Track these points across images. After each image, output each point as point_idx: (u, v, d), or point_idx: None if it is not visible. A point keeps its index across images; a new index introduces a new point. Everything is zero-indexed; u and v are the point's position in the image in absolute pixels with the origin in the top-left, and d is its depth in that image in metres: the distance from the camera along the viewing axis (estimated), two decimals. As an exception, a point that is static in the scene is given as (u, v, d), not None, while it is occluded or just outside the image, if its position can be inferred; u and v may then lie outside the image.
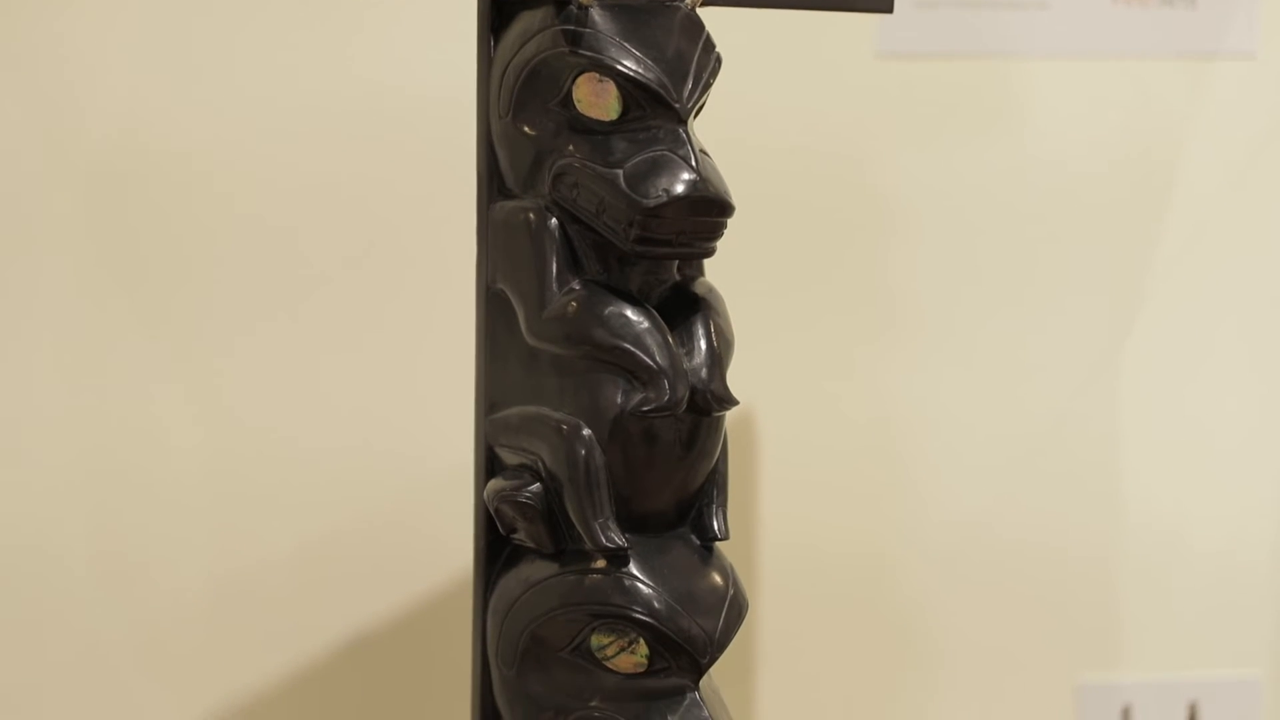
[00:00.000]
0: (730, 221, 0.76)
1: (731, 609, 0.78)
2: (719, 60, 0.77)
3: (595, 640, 0.78)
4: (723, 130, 0.84)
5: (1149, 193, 1.15)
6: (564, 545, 0.78)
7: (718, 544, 0.80)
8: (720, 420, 0.79)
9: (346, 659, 1.05)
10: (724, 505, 0.81)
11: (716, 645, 0.78)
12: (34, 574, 1.02)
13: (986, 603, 1.14)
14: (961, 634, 1.14)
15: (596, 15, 0.76)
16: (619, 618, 0.77)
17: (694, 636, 0.77)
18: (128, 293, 1.03)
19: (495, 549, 0.82)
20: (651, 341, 0.76)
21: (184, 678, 1.04)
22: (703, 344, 0.78)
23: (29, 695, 1.02)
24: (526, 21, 0.77)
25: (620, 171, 0.75)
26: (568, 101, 0.76)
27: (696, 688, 0.78)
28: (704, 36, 0.77)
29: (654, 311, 0.77)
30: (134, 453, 1.03)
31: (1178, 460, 1.17)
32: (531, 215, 0.78)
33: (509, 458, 0.80)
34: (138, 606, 1.03)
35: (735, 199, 0.75)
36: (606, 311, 0.76)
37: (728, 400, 0.78)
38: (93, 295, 1.02)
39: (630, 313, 0.77)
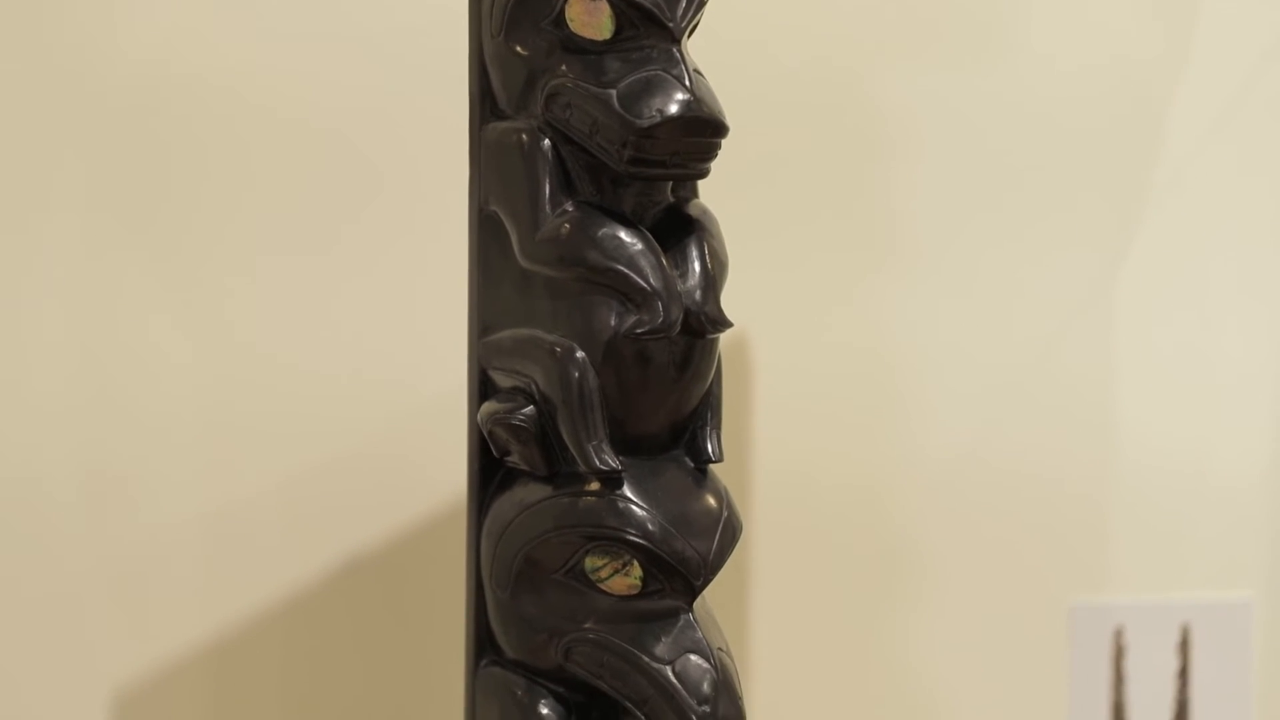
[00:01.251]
0: (724, 143, 0.76)
1: (725, 531, 0.78)
2: (713, -21, 0.77)
3: (589, 562, 0.78)
4: (717, 51, 0.83)
5: (1145, 119, 1.15)
6: (558, 468, 0.78)
7: (711, 466, 0.80)
8: (714, 343, 0.79)
9: (341, 583, 1.05)
10: (718, 428, 0.80)
11: (710, 567, 0.78)
12: (26, 499, 1.02)
13: (979, 527, 1.15)
14: (955, 558, 1.14)
15: (588, -66, 0.75)
16: (613, 540, 0.77)
17: (688, 558, 0.77)
18: (126, 220, 1.02)
19: (489, 472, 0.82)
20: (645, 263, 0.76)
21: (178, 603, 1.04)
22: (696, 266, 0.78)
23: (19, 621, 1.02)
24: (518, -60, 0.77)
25: (613, 92, 0.74)
26: (560, 21, 0.76)
27: (690, 609, 0.78)
28: None
29: (648, 233, 0.77)
30: (128, 380, 1.03)
31: (1171, 386, 1.17)
32: (524, 136, 0.77)
33: (502, 380, 0.80)
34: (131, 532, 1.03)
35: (729, 120, 0.75)
36: (600, 233, 0.76)
37: (722, 322, 0.78)
38: (92, 223, 1.02)
39: (624, 234, 0.76)
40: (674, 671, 0.77)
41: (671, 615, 0.78)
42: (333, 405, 1.05)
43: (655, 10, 0.74)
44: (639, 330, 0.76)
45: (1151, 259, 1.16)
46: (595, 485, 0.77)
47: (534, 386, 0.78)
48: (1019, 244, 1.14)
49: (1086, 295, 1.16)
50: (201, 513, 1.04)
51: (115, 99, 1.01)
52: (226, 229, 1.03)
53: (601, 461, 0.76)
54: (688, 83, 0.74)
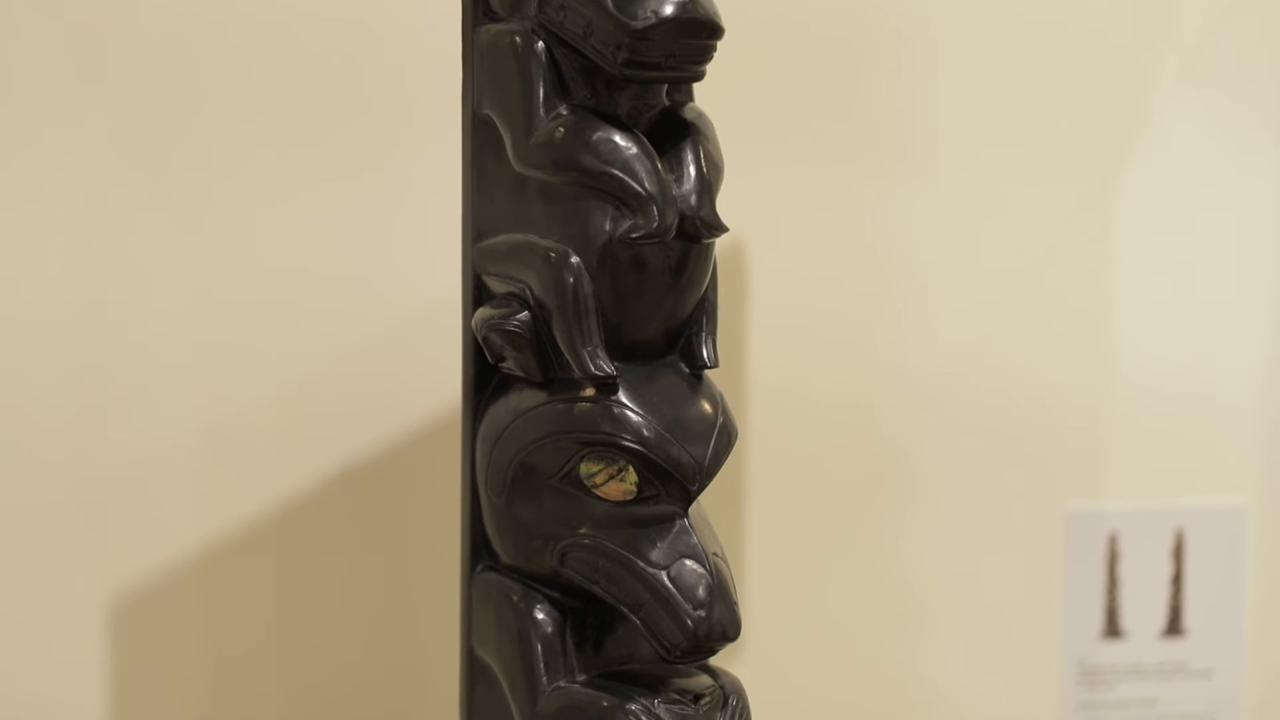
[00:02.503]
0: (720, 45, 0.75)
1: (721, 436, 0.78)
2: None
3: (584, 468, 0.78)
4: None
5: (1147, 28, 1.14)
6: (552, 373, 0.78)
7: (707, 372, 0.80)
8: (710, 247, 0.79)
9: (336, 491, 1.05)
10: (713, 333, 0.80)
11: (706, 472, 0.78)
12: (19, 411, 1.02)
13: (973, 435, 1.15)
14: (949, 466, 1.14)
15: None
16: (608, 445, 0.77)
17: (683, 464, 0.77)
18: (116, 134, 1.01)
19: (483, 378, 0.82)
20: (640, 167, 0.75)
21: (173, 514, 1.04)
22: (692, 170, 0.77)
23: (12, 534, 1.02)
24: None
25: (607, -7, 0.74)
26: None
27: (686, 514, 0.78)
28: None
29: (642, 137, 0.76)
30: (120, 292, 1.02)
31: (1166, 295, 1.17)
32: (518, 39, 0.77)
33: (497, 286, 0.80)
34: (125, 445, 1.03)
35: (725, 21, 0.74)
36: (594, 137, 0.75)
37: (717, 227, 0.77)
38: (83, 136, 1.01)
39: (618, 138, 0.76)
40: (669, 576, 0.77)
41: (667, 520, 0.78)
42: (326, 314, 1.04)
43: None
44: (634, 235, 0.75)
45: (1150, 172, 1.16)
46: (590, 391, 0.77)
47: (528, 292, 0.77)
48: (1020, 156, 1.13)
49: (1084, 208, 1.15)
50: (196, 424, 1.04)
51: (102, 11, 1.00)
52: (217, 140, 1.03)
53: (596, 367, 0.76)
54: (682, -16, 0.74)
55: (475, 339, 0.80)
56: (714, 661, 0.81)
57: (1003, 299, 1.15)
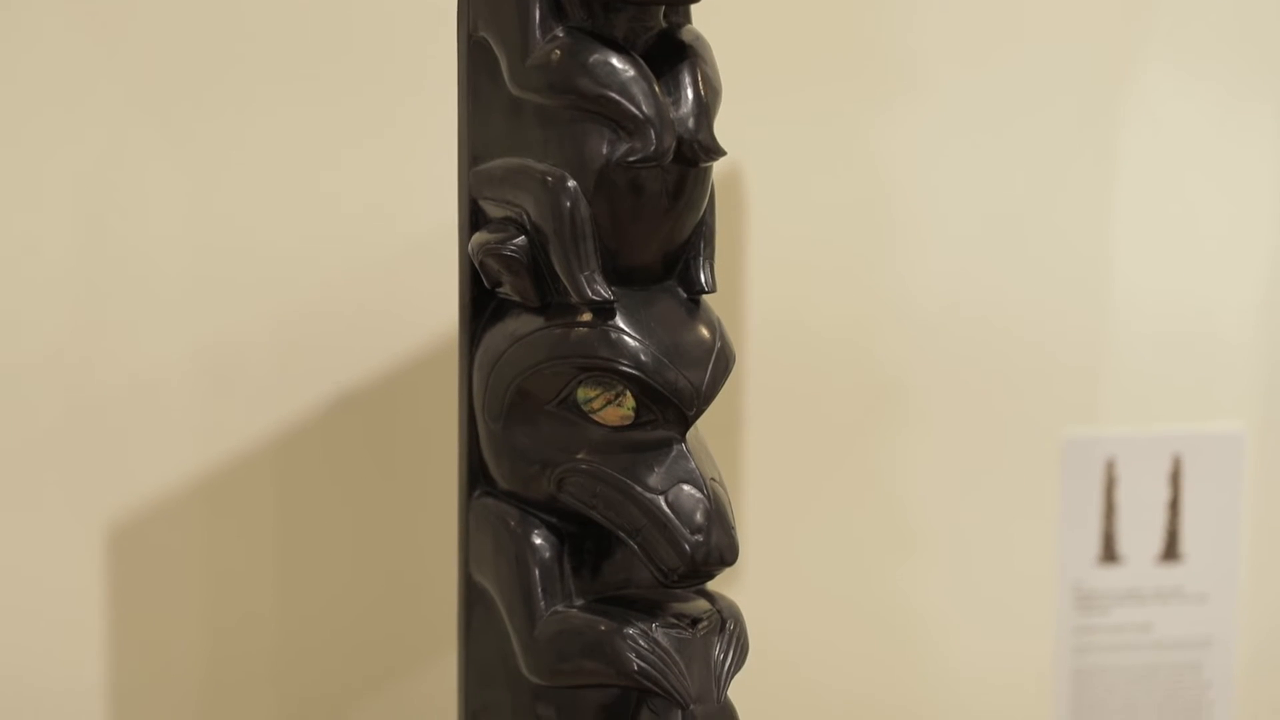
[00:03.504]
0: (717, -34, 0.75)
1: (718, 361, 0.78)
2: None
3: (582, 393, 0.78)
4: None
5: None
6: (549, 298, 0.78)
7: (704, 297, 0.80)
8: (707, 171, 0.78)
9: (334, 417, 1.05)
10: (711, 258, 0.80)
11: (703, 397, 0.77)
12: (17, 338, 1.01)
13: (971, 362, 1.15)
14: (947, 392, 1.14)
15: None
16: (605, 370, 0.77)
17: (681, 389, 0.77)
18: (117, 67, 1.01)
19: (480, 303, 0.81)
20: (637, 90, 0.75)
21: (171, 441, 1.04)
22: (689, 93, 0.77)
23: (9, 460, 1.02)
24: None
25: (603, -86, 0.73)
26: None
27: (683, 439, 0.78)
28: None
29: (639, 59, 0.75)
30: (117, 218, 1.02)
31: (1165, 222, 1.17)
32: (514, -40, 0.76)
33: (493, 210, 0.79)
34: (122, 372, 1.03)
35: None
36: (591, 59, 0.75)
37: (715, 150, 0.77)
38: (80, 69, 1.00)
39: (615, 60, 0.75)
40: (667, 501, 0.77)
41: (664, 445, 0.78)
42: (322, 240, 1.04)
43: None
44: (631, 158, 0.75)
45: (1152, 101, 1.15)
46: (587, 316, 0.77)
47: (525, 216, 0.77)
48: (1021, 85, 1.13)
49: (1084, 137, 1.15)
50: (193, 351, 1.03)
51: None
52: (212, 69, 1.02)
53: (594, 292, 0.76)
54: (680, -96, 0.73)
55: (472, 264, 0.80)
56: (711, 586, 0.81)
57: (1002, 227, 1.14)
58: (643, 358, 0.76)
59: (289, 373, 1.04)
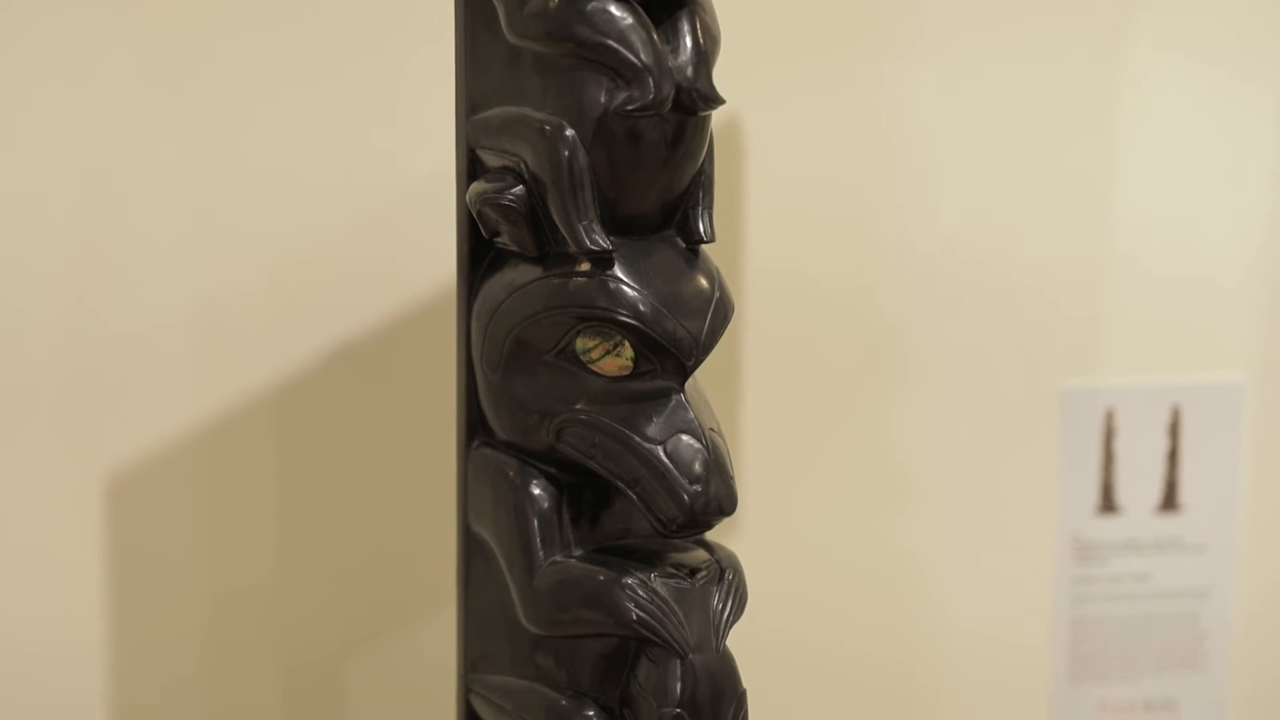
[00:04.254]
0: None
1: (717, 311, 0.78)
2: None
3: (580, 343, 0.77)
4: None
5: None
6: (548, 248, 0.78)
7: (703, 247, 0.80)
8: (706, 120, 0.78)
9: (332, 368, 1.05)
10: (709, 207, 0.80)
11: (702, 347, 0.77)
12: (15, 290, 1.01)
13: (970, 312, 1.14)
14: (946, 342, 1.14)
15: None
16: (604, 320, 0.76)
17: (679, 339, 0.77)
18: (112, 13, 1.00)
19: (478, 253, 0.81)
20: (636, 38, 0.74)
21: (169, 392, 1.04)
22: (688, 40, 0.76)
23: (8, 413, 1.02)
24: None
25: None
26: None
27: (682, 390, 0.78)
28: None
29: (638, 7, 0.75)
30: (115, 169, 1.01)
31: (1165, 172, 1.17)
32: (511, -93, 0.76)
33: (491, 160, 0.79)
34: (120, 322, 1.02)
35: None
36: (589, 7, 0.74)
37: (714, 99, 0.76)
38: (79, 17, 1.00)
39: (614, 8, 0.74)
40: (666, 451, 0.77)
41: (663, 396, 0.78)
42: (320, 189, 1.04)
43: None
44: (629, 107, 0.74)
45: (1153, 50, 1.14)
46: (586, 266, 0.77)
47: (523, 166, 0.77)
48: (1021, 33, 1.12)
49: (1084, 87, 1.14)
50: (191, 301, 1.03)
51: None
52: (210, 22, 1.01)
53: (592, 241, 0.76)
54: None
55: (470, 214, 0.80)
56: (710, 536, 0.81)
57: (1002, 177, 1.14)
58: (641, 308, 0.76)
59: (287, 324, 1.04)
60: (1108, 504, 1.18)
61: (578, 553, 0.80)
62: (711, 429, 0.78)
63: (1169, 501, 1.19)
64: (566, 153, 0.75)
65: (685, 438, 0.77)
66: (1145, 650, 1.20)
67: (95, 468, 1.03)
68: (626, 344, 0.77)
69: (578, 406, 0.78)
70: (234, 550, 1.06)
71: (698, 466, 0.76)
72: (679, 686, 0.77)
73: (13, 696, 1.04)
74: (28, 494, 1.03)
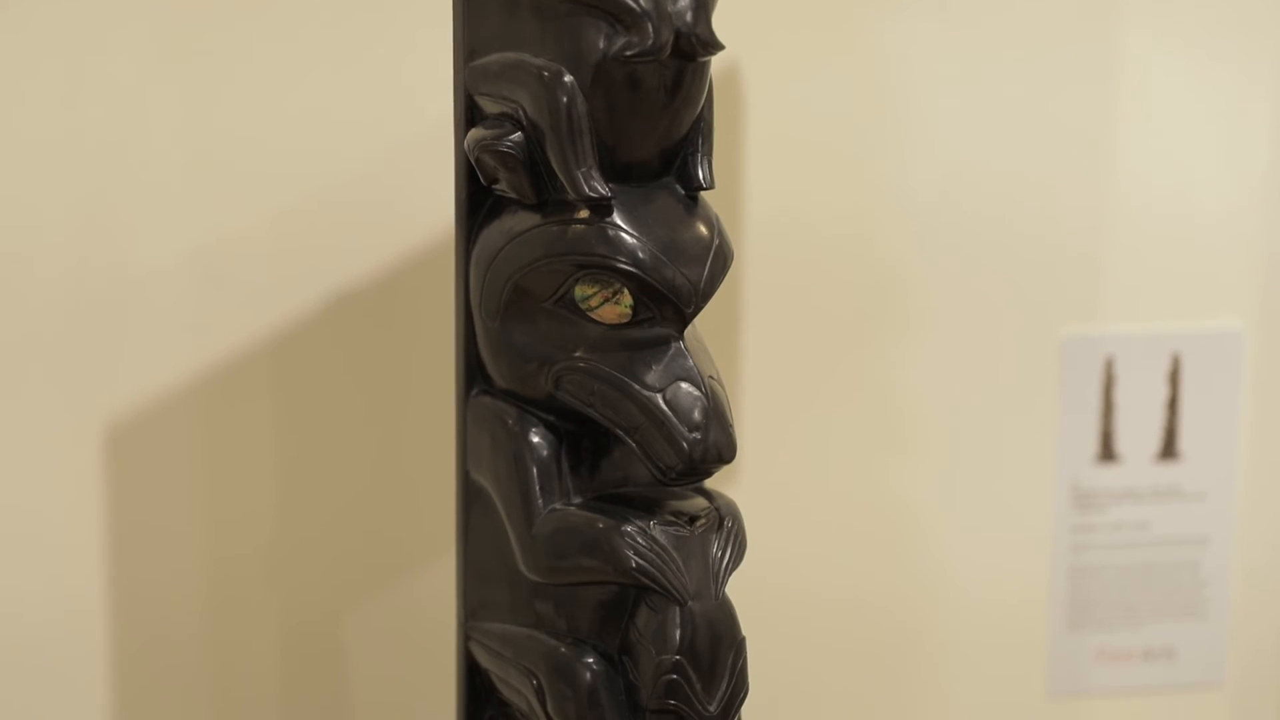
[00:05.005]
0: None
1: (716, 259, 0.78)
2: None
3: (579, 291, 0.77)
4: None
5: None
6: (546, 195, 0.77)
7: (702, 194, 0.79)
8: (705, 66, 0.77)
9: (329, 316, 1.05)
10: (709, 154, 0.79)
11: (701, 295, 0.77)
12: (11, 235, 1.01)
13: (970, 260, 1.14)
14: (946, 290, 1.14)
15: None
16: (603, 268, 0.76)
17: (678, 286, 0.76)
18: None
19: (477, 201, 0.81)
20: (633, -18, 0.74)
21: (166, 338, 1.03)
22: (687, -15, 0.76)
23: (6, 360, 1.02)
24: None
25: None
26: None
27: (681, 337, 0.78)
28: None
29: (636, -49, 0.75)
30: (112, 115, 1.01)
31: (1166, 119, 1.16)
32: None
33: (489, 106, 0.79)
34: (118, 268, 1.02)
35: None
36: (587, -48, 0.74)
37: (713, 44, 0.76)
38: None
39: (611, -47, 0.74)
40: (665, 399, 0.77)
41: (662, 343, 0.77)
42: (318, 136, 1.03)
43: None
44: (628, 53, 0.74)
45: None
46: (584, 213, 0.76)
47: (521, 112, 0.76)
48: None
49: (1085, 31, 1.14)
50: (190, 247, 1.03)
51: None
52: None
53: (591, 188, 0.75)
54: None
55: (468, 161, 0.79)
56: (709, 484, 0.81)
57: (1002, 124, 1.13)
58: (640, 255, 0.76)
59: (285, 271, 1.04)
60: (1107, 452, 1.18)
61: (577, 500, 0.80)
62: (711, 377, 0.78)
63: (1168, 450, 1.19)
64: (565, 99, 0.75)
65: (684, 385, 0.77)
66: (1144, 598, 1.20)
67: (93, 416, 1.03)
68: (625, 291, 0.77)
69: (576, 354, 0.78)
70: (232, 498, 1.06)
71: (697, 414, 0.76)
72: (678, 634, 0.77)
73: (10, 652, 1.04)
74: (25, 444, 1.03)
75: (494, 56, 0.78)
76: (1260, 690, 1.23)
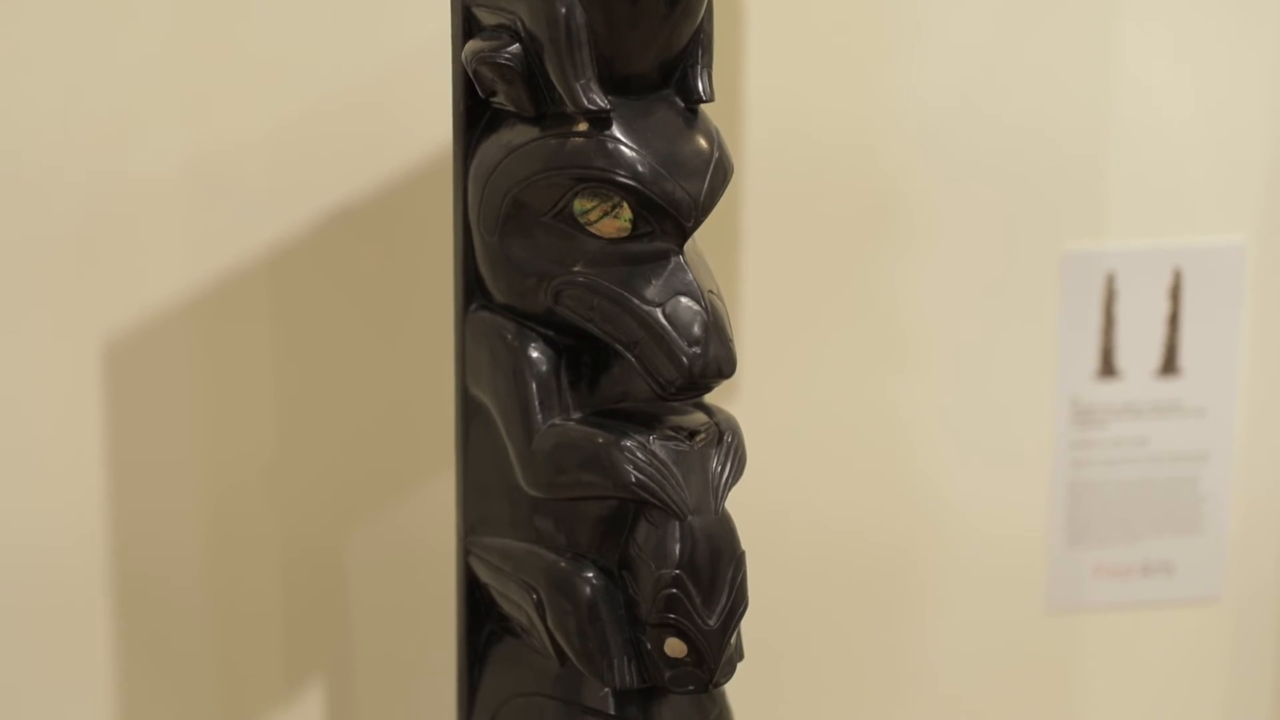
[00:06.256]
0: None
1: (716, 172, 0.77)
2: None
3: (578, 205, 0.77)
4: None
5: None
6: (545, 108, 0.77)
7: (702, 107, 0.79)
8: (705, -24, 0.77)
9: (328, 230, 1.05)
10: (709, 66, 0.79)
11: (701, 208, 0.77)
12: (6, 147, 1.00)
13: (972, 175, 1.14)
14: (947, 206, 1.13)
15: None
16: (602, 181, 0.76)
17: (678, 199, 0.76)
18: None
19: (475, 114, 0.80)
20: (632, -109, 0.73)
21: (163, 252, 1.03)
22: (685, -108, 0.75)
23: (4, 271, 1.02)
24: None
25: None
26: None
27: (681, 252, 0.77)
28: None
29: None
30: (109, 23, 1.00)
31: (1169, 35, 1.15)
32: None
33: (487, 18, 0.78)
34: (114, 181, 1.02)
35: None
36: None
37: (712, -46, 0.75)
38: None
39: None
40: (664, 313, 0.76)
41: (662, 258, 0.77)
42: (316, 48, 1.02)
43: None
44: (626, -38, 0.73)
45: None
46: (583, 126, 0.76)
47: (519, 24, 0.76)
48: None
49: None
50: (187, 160, 1.02)
51: None
52: None
53: (590, 101, 0.75)
54: None
55: (466, 73, 0.79)
56: (709, 399, 0.81)
57: (1005, 37, 1.12)
58: (640, 168, 0.76)
59: (282, 185, 1.03)
60: (1107, 368, 1.18)
61: (576, 416, 0.80)
62: (710, 291, 0.77)
63: (1169, 365, 1.19)
64: (563, 10, 0.74)
65: (684, 300, 0.77)
66: (1143, 514, 1.20)
67: (90, 334, 1.03)
68: (625, 205, 0.76)
69: (576, 269, 0.78)
70: (231, 416, 1.06)
71: (696, 329, 0.76)
72: (678, 548, 0.78)
73: (9, 571, 1.04)
74: (21, 361, 1.03)
75: (491, -33, 0.77)
76: (1258, 605, 1.24)
